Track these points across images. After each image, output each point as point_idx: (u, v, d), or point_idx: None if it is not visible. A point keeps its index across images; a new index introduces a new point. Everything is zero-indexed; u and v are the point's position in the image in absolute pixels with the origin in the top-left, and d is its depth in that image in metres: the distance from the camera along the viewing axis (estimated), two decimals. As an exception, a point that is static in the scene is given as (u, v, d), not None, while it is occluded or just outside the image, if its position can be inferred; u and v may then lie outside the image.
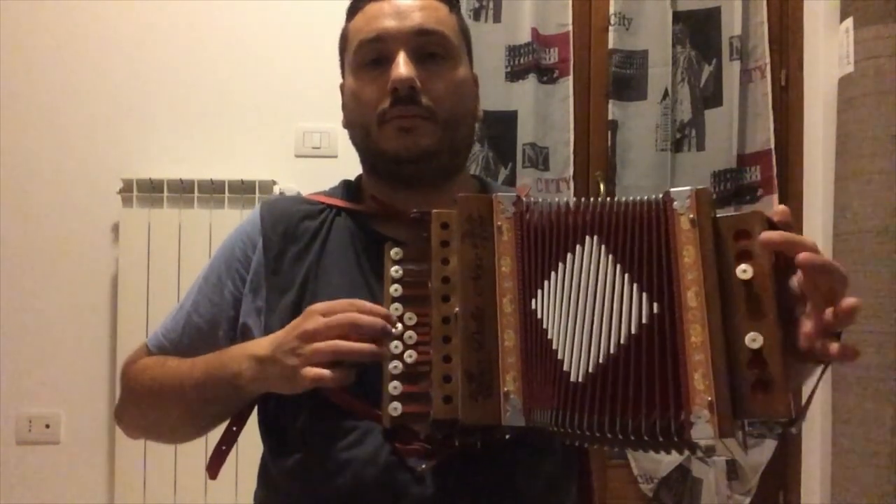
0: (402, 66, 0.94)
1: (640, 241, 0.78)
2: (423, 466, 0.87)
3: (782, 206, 0.74)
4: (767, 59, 2.36)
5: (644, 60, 2.40)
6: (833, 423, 2.08)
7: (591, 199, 0.82)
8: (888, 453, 1.91)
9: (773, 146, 2.34)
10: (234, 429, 0.98)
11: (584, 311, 0.78)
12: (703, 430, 0.70)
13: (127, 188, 2.32)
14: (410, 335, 0.84)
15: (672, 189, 0.78)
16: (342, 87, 1.06)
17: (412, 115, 0.95)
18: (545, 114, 2.38)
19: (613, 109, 2.38)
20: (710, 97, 2.40)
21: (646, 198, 0.79)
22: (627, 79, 2.40)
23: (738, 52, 2.35)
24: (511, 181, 2.36)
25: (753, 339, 0.70)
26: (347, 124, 1.04)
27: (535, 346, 0.79)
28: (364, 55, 0.99)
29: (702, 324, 0.72)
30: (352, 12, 1.04)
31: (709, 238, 0.74)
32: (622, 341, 0.75)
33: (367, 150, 1.01)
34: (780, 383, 0.69)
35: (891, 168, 1.97)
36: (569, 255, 0.80)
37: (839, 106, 2.12)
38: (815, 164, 2.31)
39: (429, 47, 0.98)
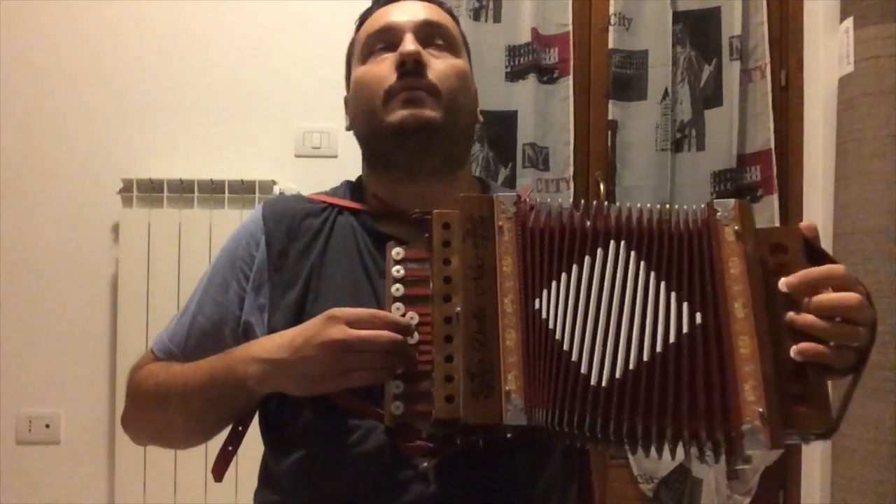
0: (409, 43, 0.98)
1: (680, 252, 0.79)
2: (425, 464, 0.87)
3: (810, 223, 0.77)
4: (767, 59, 2.36)
5: (644, 60, 2.39)
6: (833, 422, 2.08)
7: (630, 206, 0.83)
8: (888, 453, 1.91)
9: (773, 146, 2.34)
10: (240, 428, 0.98)
11: (609, 315, 0.79)
12: (754, 442, 0.71)
13: (127, 188, 2.32)
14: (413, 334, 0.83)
15: (715, 200, 0.79)
16: (346, 99, 1.08)
17: (418, 87, 0.97)
18: (545, 114, 2.38)
19: (613, 109, 2.38)
20: (710, 97, 2.40)
21: (685, 207, 0.81)
22: (627, 79, 2.39)
23: (738, 52, 2.35)
24: (511, 181, 2.36)
25: (797, 353, 0.72)
26: (353, 117, 1.05)
27: (540, 346, 0.79)
28: (372, 44, 1.02)
29: (750, 335, 0.74)
30: (361, 23, 1.08)
31: (753, 250, 0.76)
32: (658, 349, 0.76)
33: (372, 135, 1.01)
34: (820, 397, 0.72)
35: (891, 168, 1.96)
36: (586, 259, 0.81)
37: (839, 106, 2.12)
38: (815, 164, 2.31)
39: (434, 37, 1.02)
